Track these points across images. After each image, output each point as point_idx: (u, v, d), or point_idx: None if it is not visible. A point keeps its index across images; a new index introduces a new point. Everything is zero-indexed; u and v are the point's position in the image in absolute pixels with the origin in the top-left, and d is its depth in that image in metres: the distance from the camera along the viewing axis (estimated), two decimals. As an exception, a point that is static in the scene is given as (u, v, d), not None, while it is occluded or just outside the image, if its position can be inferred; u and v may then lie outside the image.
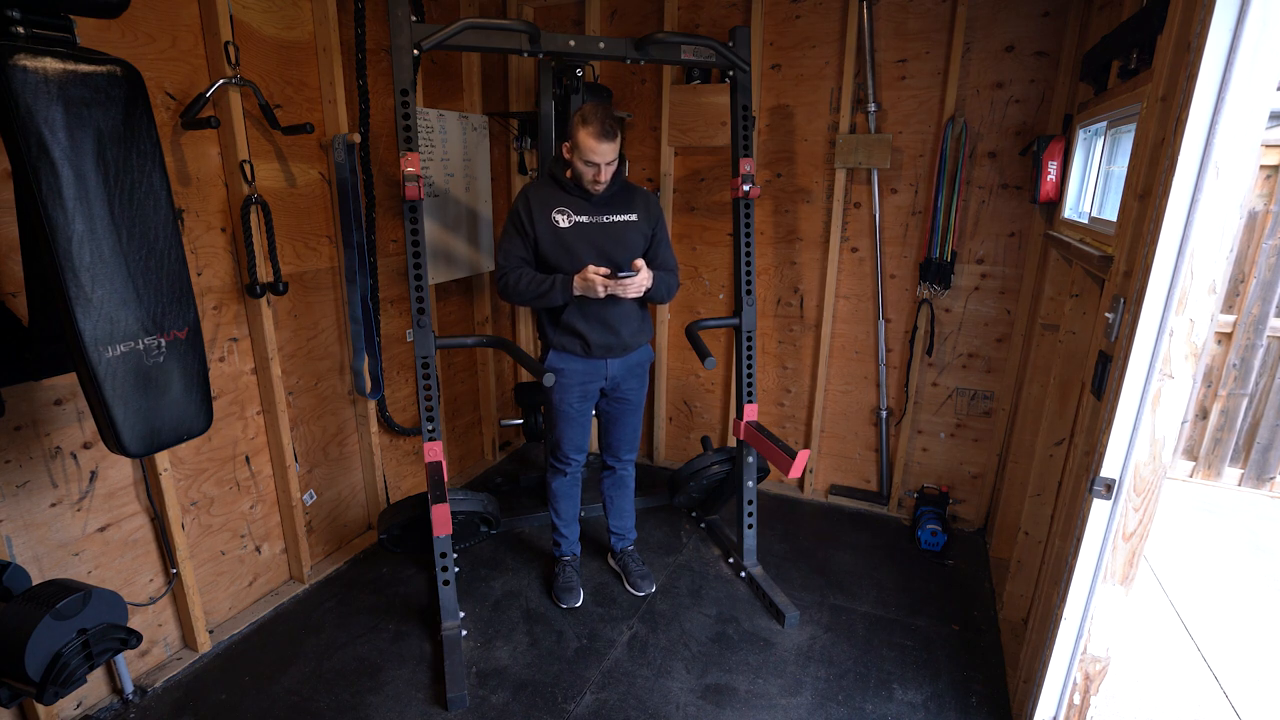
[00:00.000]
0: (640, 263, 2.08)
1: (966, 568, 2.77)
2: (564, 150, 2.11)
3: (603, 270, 2.05)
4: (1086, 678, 1.68)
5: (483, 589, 2.58)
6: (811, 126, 2.96)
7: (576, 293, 2.10)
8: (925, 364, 3.00)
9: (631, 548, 2.66)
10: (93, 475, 1.88)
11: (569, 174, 2.14)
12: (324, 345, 2.55)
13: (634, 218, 2.22)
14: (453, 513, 2.43)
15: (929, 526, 2.84)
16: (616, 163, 2.10)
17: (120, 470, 1.95)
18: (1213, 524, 3.09)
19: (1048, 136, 2.39)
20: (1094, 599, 1.60)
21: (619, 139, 2.05)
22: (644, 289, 2.13)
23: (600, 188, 2.11)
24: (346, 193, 2.38)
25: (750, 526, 2.68)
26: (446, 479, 2.26)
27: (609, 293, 2.07)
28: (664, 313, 3.43)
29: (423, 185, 2.13)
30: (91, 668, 1.43)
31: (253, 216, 2.14)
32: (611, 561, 2.70)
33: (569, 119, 2.08)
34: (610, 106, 2.38)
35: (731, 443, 3.36)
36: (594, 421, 2.87)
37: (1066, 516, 1.74)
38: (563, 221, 2.14)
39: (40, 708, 1.75)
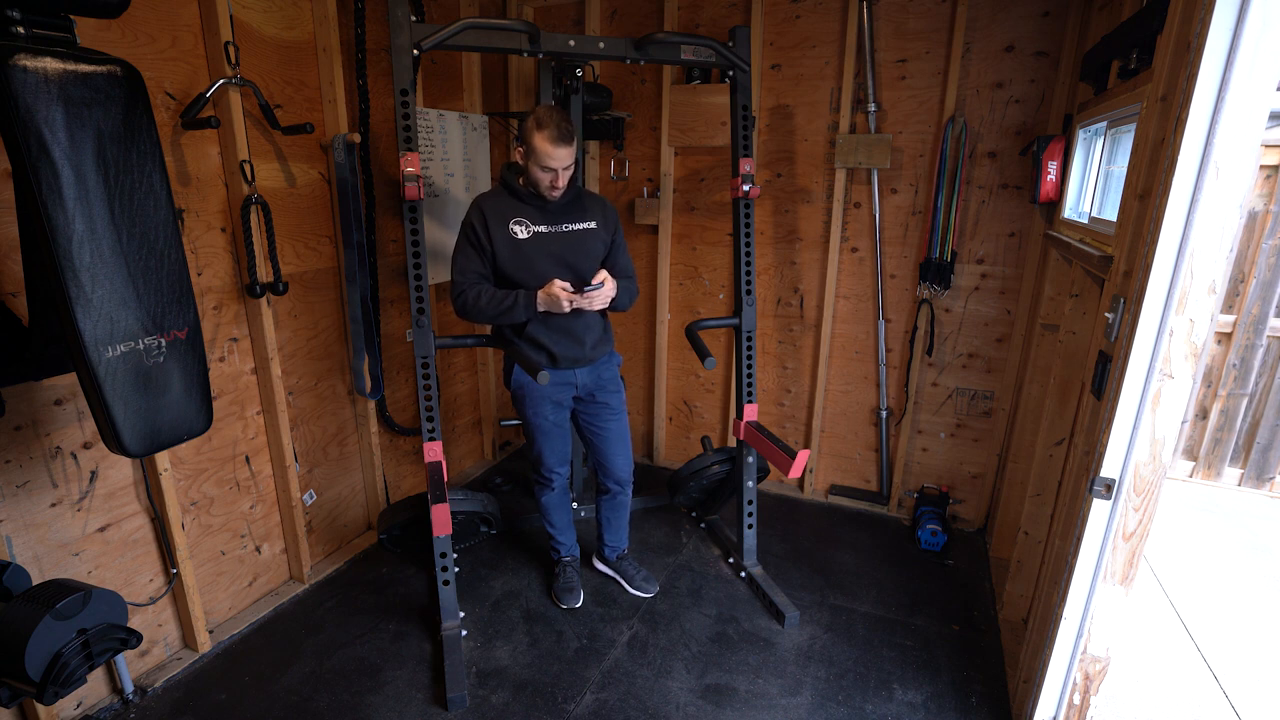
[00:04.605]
0: (604, 274, 2.04)
1: (966, 568, 2.77)
2: (517, 155, 2.04)
3: (567, 285, 1.99)
4: (1086, 678, 1.69)
5: (483, 589, 2.58)
6: (811, 126, 2.96)
7: (540, 309, 2.03)
8: (925, 364, 3.00)
9: (625, 552, 2.65)
10: (93, 475, 1.88)
11: (521, 180, 2.08)
12: (324, 345, 2.55)
13: (593, 225, 2.16)
14: (453, 513, 2.43)
15: (929, 526, 2.84)
16: (574, 168, 2.04)
17: (120, 470, 1.95)
18: (1213, 524, 3.09)
19: (1048, 136, 2.39)
20: (1094, 599, 1.60)
21: (576, 142, 1.99)
22: (610, 300, 2.08)
23: (558, 194, 2.05)
24: (346, 193, 2.38)
25: (750, 526, 2.68)
26: (446, 479, 2.26)
27: (575, 307, 2.02)
28: (664, 313, 3.43)
29: (423, 185, 2.13)
30: (91, 668, 1.43)
31: (253, 216, 2.14)
32: (602, 566, 2.67)
33: (523, 122, 2.01)
34: (565, 110, 2.35)
35: (731, 443, 3.36)
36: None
37: (1066, 516, 1.74)
38: (521, 233, 2.06)
39: (40, 708, 1.75)
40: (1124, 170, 1.70)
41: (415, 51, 2.04)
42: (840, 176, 2.92)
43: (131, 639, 1.49)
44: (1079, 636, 1.65)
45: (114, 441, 1.37)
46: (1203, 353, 1.41)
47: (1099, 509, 1.54)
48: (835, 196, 2.95)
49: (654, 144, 3.25)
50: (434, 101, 2.95)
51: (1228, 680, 2.11)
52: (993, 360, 2.90)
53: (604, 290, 2.02)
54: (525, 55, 2.18)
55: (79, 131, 1.24)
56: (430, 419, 2.23)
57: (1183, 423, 1.96)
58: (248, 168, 2.09)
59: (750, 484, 2.68)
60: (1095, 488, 1.51)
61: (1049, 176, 2.36)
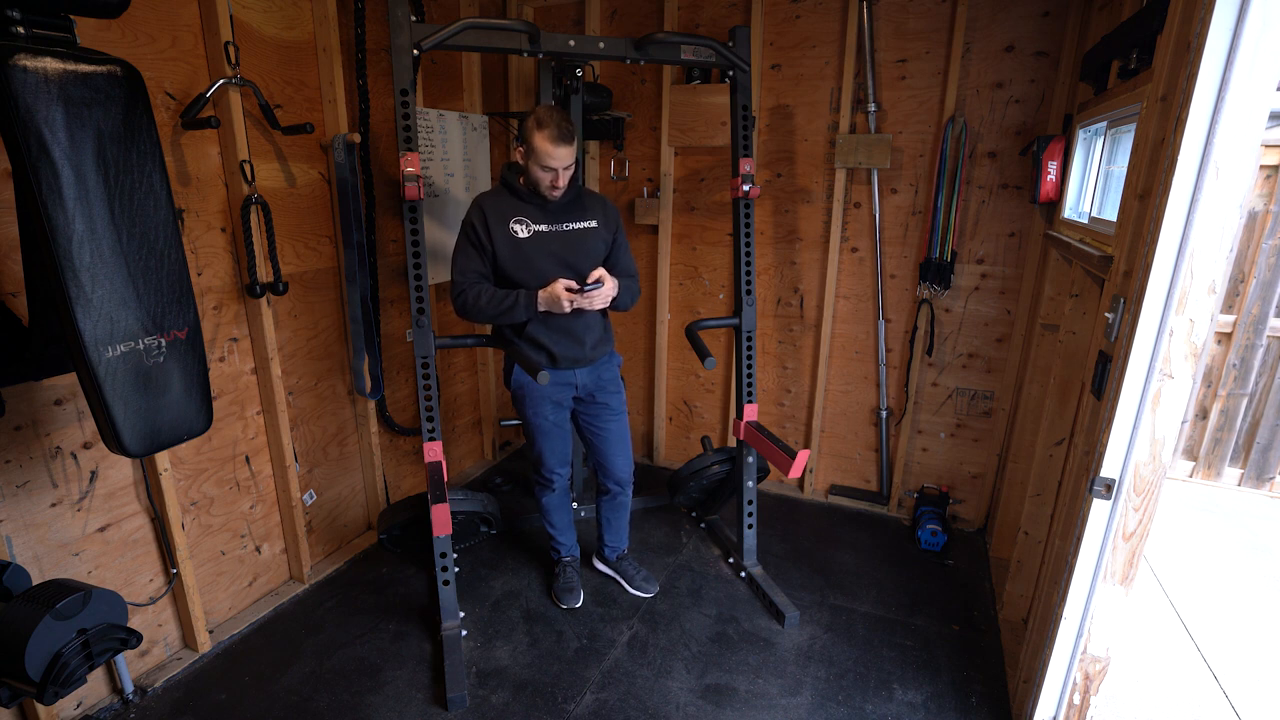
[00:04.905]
0: (602, 272, 2.03)
1: (966, 568, 2.77)
2: (517, 155, 2.04)
3: (572, 284, 1.99)
4: (1086, 678, 1.69)
5: (483, 589, 2.58)
6: (811, 126, 2.96)
7: (541, 309, 2.03)
8: (925, 364, 3.00)
9: (625, 552, 2.65)
10: (93, 475, 1.88)
11: (521, 180, 2.08)
12: (324, 345, 2.55)
13: (594, 224, 2.15)
14: (453, 513, 2.43)
15: (929, 526, 2.84)
16: (574, 167, 2.03)
17: (120, 470, 1.95)
18: (1213, 524, 3.09)
19: (1048, 136, 2.39)
20: (1094, 599, 1.60)
21: (576, 142, 1.99)
22: (610, 299, 2.08)
23: (558, 194, 2.05)
24: (346, 193, 2.38)
25: (750, 526, 2.68)
26: (446, 479, 2.26)
27: (575, 307, 2.02)
28: (664, 313, 3.43)
29: (423, 185, 2.13)
30: (91, 668, 1.43)
31: (253, 216, 2.14)
32: (602, 566, 2.67)
33: (523, 122, 2.01)
34: (565, 110, 2.35)
35: (731, 443, 3.36)
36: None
37: (1066, 516, 1.74)
38: (521, 232, 2.06)
39: (40, 708, 1.75)
40: (1124, 170, 1.70)
41: (415, 51, 2.04)
42: (840, 176, 2.92)
43: (131, 639, 1.49)
44: (1079, 636, 1.65)
45: (114, 441, 1.37)
46: (1203, 353, 1.41)
47: (1099, 509, 1.54)
48: (835, 196, 2.95)
49: (654, 144, 3.25)
50: (434, 101, 2.95)
51: (1228, 680, 2.11)
52: (993, 360, 2.90)
53: (604, 289, 2.02)
54: (525, 55, 2.18)
55: (79, 131, 1.24)
56: (430, 419, 2.23)
57: (1183, 423, 1.96)
58: (248, 168, 2.09)
59: (750, 484, 2.68)
60: (1095, 488, 1.51)
61: (1049, 176, 2.36)
